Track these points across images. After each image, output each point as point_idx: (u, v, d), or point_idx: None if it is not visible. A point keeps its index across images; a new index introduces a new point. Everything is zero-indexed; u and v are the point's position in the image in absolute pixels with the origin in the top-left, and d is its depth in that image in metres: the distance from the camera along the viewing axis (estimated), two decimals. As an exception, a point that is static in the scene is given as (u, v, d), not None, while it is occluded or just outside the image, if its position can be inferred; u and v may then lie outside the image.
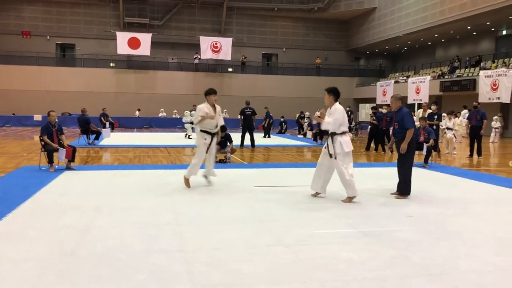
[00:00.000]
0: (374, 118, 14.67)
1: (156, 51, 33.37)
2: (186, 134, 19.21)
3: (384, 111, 14.47)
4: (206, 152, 7.31)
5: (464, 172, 9.76)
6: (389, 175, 9.15)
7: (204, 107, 7.14)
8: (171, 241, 4.43)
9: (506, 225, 5.32)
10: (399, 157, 6.88)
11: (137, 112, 30.01)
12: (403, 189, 6.80)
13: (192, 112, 19.20)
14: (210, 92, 7.24)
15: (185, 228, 4.92)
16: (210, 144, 7.29)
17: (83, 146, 14.26)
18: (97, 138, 15.27)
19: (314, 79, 35.53)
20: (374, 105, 16.05)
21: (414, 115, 15.27)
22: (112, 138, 16.91)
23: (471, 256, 4.15)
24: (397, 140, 6.93)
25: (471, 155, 13.20)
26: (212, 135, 7.30)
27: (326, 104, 6.60)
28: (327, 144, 6.53)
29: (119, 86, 32.76)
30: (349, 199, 6.43)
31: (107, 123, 20.97)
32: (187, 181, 7.30)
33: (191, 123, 18.61)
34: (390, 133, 7.33)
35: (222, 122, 7.42)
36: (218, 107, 7.33)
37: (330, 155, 6.43)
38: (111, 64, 33.63)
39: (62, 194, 6.73)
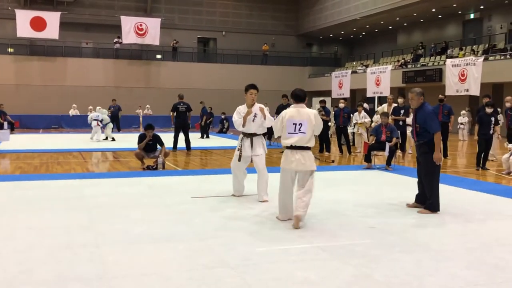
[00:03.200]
0: (324, 113, 15.01)
1: (67, 34, 32.35)
2: (108, 137, 18.57)
3: (341, 105, 14.89)
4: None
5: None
6: (345, 180, 9.52)
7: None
8: (90, 267, 4.34)
9: (476, 234, 5.64)
10: (425, 165, 6.71)
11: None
12: (433, 203, 6.66)
13: (101, 109, 18.83)
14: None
15: (106, 249, 4.84)
16: None
17: (-26, 152, 13.70)
18: (-8, 141, 14.72)
19: (260, 68, 35.86)
20: (322, 98, 16.47)
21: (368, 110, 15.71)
22: (11, 141, 16.46)
23: (439, 270, 4.36)
24: (420, 143, 6.74)
25: None
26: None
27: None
28: (242, 146, 7.29)
29: (20, 77, 31.54)
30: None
31: (5, 123, 20.49)
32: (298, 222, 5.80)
33: (101, 121, 18.13)
34: (412, 135, 7.08)
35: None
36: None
37: (240, 157, 7.24)
38: (9, 50, 32.37)
39: None
